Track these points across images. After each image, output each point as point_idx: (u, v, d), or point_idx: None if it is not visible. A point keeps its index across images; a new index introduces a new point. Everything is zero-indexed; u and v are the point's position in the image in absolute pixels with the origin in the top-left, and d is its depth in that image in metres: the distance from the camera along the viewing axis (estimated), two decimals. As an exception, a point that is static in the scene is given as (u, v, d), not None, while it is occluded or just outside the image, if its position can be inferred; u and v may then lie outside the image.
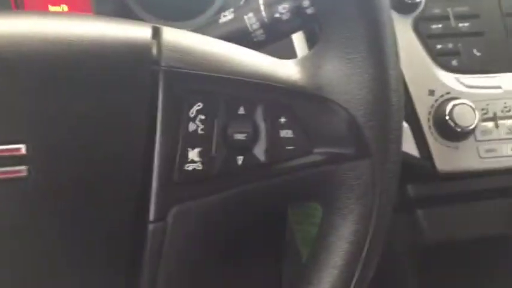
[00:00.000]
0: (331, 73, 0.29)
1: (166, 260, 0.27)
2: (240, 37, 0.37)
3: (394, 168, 0.29)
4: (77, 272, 0.28)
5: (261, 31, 0.37)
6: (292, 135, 0.28)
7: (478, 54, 0.52)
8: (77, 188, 0.26)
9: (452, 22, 0.52)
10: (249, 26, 0.37)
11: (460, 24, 0.53)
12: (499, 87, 0.52)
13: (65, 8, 0.53)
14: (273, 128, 0.28)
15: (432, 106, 0.50)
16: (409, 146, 0.51)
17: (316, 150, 0.29)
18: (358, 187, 0.28)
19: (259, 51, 0.35)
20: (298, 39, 0.50)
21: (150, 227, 0.27)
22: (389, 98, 0.28)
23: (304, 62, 0.30)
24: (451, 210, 0.61)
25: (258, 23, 0.37)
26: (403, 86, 0.29)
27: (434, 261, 0.61)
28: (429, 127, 0.50)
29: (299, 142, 0.28)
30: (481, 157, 0.51)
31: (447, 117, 0.49)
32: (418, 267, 0.61)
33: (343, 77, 0.28)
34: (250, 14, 0.37)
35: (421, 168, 0.51)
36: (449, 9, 0.52)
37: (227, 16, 0.38)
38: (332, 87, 0.28)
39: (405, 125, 0.51)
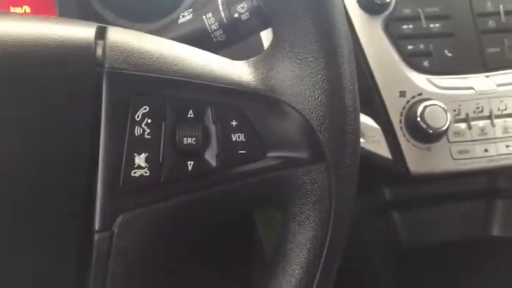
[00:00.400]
0: (283, 74, 0.27)
1: (113, 272, 0.26)
2: (200, 38, 0.36)
3: (350, 172, 0.28)
4: (22, 285, 0.27)
5: (220, 32, 0.36)
6: (244, 139, 0.27)
7: (450, 54, 0.52)
8: (15, 196, 0.25)
9: (423, 23, 0.52)
10: (208, 26, 0.36)
11: (431, 25, 0.52)
12: (471, 88, 0.51)
13: (27, 9, 0.52)
14: (224, 132, 0.27)
15: (404, 107, 0.50)
16: (381, 147, 0.50)
17: (269, 155, 0.27)
18: (314, 192, 0.27)
19: (221, 52, 0.34)
20: (267, 37, 0.49)
21: (95, 237, 0.26)
22: (343, 99, 0.27)
23: (257, 63, 0.29)
24: (428, 212, 0.60)
25: (217, 24, 0.36)
26: (357, 85, 0.28)
27: (409, 264, 0.60)
28: (401, 128, 0.50)
29: (251, 146, 0.27)
30: (454, 159, 0.50)
31: (419, 119, 0.48)
32: (392, 271, 0.60)
33: (295, 78, 0.27)
34: (209, 14, 0.36)
35: (394, 171, 0.50)
36: (420, 10, 0.52)
37: (186, 16, 0.37)
38: (284, 89, 0.27)
39: (377, 126, 0.50)
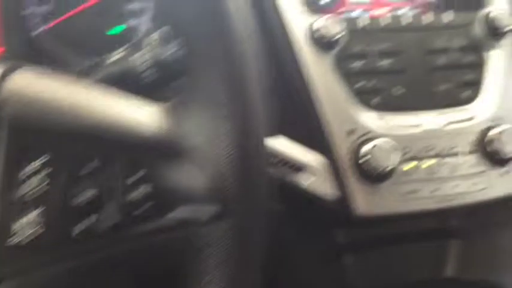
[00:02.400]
0: (192, 125, 0.26)
1: None
2: (127, 78, 0.34)
3: (257, 229, 0.26)
4: None
5: (153, 70, 0.34)
6: (148, 191, 0.25)
7: (400, 92, 0.51)
8: None
9: (374, 59, 0.51)
10: (138, 64, 0.34)
11: (382, 62, 0.52)
12: (421, 126, 0.51)
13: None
14: (128, 185, 0.25)
15: (352, 146, 0.49)
16: (327, 187, 0.49)
17: (172, 212, 0.26)
18: (217, 253, 0.25)
19: (154, 92, 0.32)
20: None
21: None
22: (250, 151, 0.25)
23: (169, 110, 0.27)
24: (380, 254, 0.58)
25: (150, 61, 0.34)
26: (264, 135, 0.26)
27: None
28: (349, 167, 0.48)
29: (158, 199, 0.25)
30: (402, 199, 0.49)
31: (367, 158, 0.47)
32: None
33: (204, 129, 0.25)
34: (143, 52, 0.34)
35: (340, 212, 0.49)
36: (371, 46, 0.51)
37: (115, 56, 0.35)
38: (193, 140, 0.25)
39: (323, 164, 0.49)
